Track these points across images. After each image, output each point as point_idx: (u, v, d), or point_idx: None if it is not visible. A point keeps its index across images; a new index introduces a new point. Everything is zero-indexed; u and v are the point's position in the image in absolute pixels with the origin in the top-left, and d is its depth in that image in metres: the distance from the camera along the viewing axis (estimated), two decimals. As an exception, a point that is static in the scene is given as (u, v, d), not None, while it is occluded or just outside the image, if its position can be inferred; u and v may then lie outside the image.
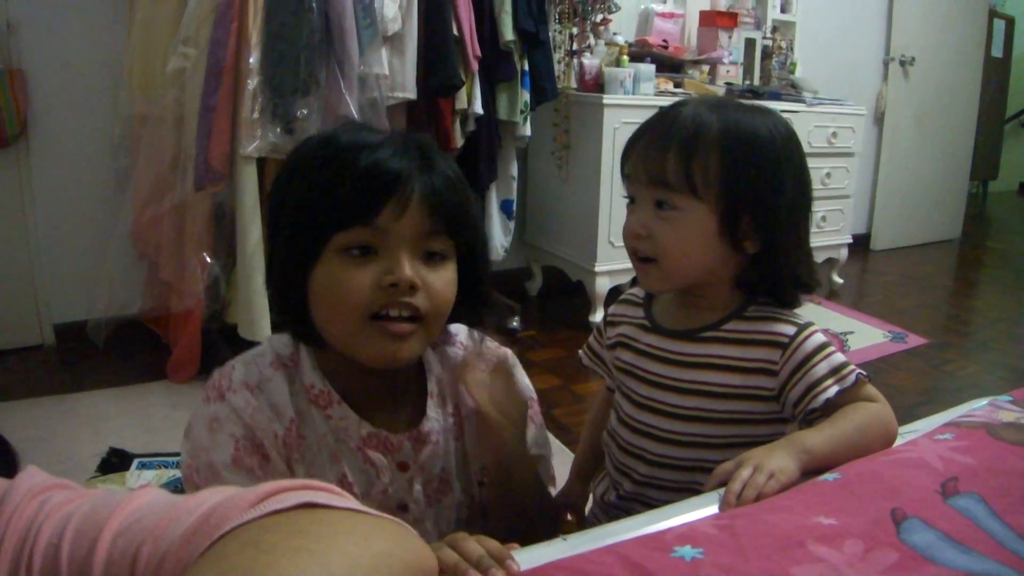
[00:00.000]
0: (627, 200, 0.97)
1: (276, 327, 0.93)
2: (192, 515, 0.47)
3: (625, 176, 0.96)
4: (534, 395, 0.99)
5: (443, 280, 0.80)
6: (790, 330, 0.93)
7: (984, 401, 0.98)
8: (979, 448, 0.81)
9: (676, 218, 0.90)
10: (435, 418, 0.90)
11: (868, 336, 3.25)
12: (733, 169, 0.89)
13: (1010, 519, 0.68)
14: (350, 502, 0.51)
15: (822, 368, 0.89)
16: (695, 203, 0.89)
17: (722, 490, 0.76)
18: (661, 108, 0.97)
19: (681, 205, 0.90)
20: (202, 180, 2.26)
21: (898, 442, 0.88)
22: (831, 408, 0.88)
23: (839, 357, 0.91)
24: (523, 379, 0.98)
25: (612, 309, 1.09)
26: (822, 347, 0.91)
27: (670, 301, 1.00)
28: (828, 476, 0.77)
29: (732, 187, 0.89)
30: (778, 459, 0.78)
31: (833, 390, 0.88)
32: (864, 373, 0.90)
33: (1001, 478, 0.75)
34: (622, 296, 1.09)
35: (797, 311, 0.97)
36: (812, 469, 0.80)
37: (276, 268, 0.83)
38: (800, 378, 0.90)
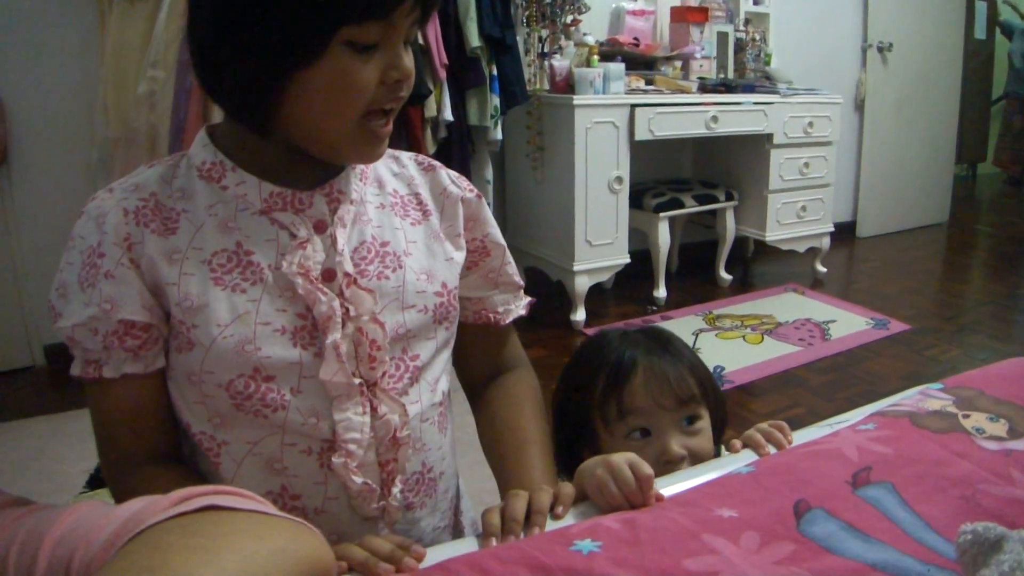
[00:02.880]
0: (635, 435, 0.94)
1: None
2: (116, 521, 0.50)
3: (628, 412, 0.93)
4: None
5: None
6: None
7: (916, 390, 0.97)
8: (899, 437, 0.80)
9: (703, 426, 0.96)
10: (354, 183, 0.85)
11: (850, 324, 3.26)
12: (698, 360, 1.00)
13: (920, 508, 0.68)
14: (256, 504, 0.54)
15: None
16: (705, 407, 0.97)
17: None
18: (593, 349, 1.02)
19: (702, 412, 0.96)
20: (177, 198, 2.29)
21: (826, 432, 0.88)
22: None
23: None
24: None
25: None
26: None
27: None
28: (742, 468, 0.77)
29: (708, 376, 0.99)
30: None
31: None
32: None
33: (917, 466, 0.74)
34: None
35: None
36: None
37: (246, 65, 0.72)
38: None
